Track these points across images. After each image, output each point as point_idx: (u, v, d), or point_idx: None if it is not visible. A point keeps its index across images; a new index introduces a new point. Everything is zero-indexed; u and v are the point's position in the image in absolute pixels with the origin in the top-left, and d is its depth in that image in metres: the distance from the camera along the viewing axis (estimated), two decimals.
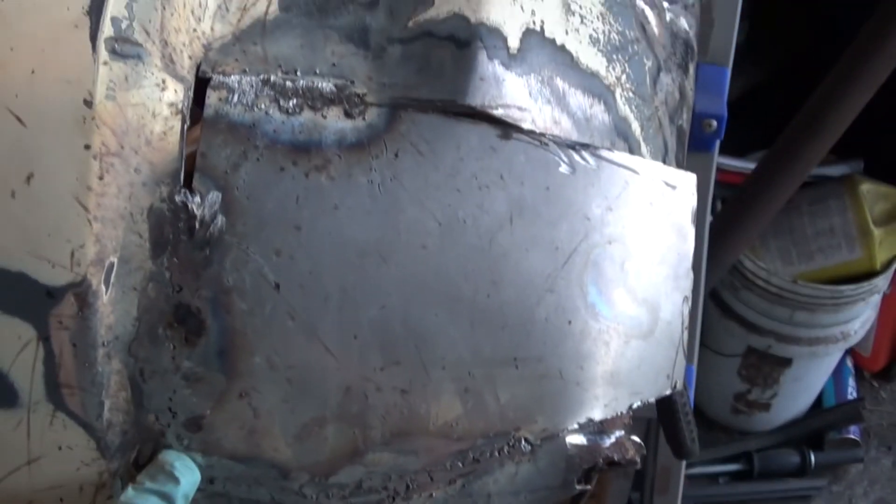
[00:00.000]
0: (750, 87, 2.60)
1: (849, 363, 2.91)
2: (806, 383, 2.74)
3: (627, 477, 2.05)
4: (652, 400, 0.96)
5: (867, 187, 2.41)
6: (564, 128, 0.89)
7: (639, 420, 1.78)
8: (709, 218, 2.02)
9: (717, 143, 1.38)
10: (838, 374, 2.86)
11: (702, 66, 1.33)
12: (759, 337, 2.54)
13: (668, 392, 0.98)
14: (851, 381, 2.89)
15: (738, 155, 2.50)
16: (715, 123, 1.32)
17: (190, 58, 0.85)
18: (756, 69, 2.61)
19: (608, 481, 2.10)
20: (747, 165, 2.42)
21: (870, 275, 2.42)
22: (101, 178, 0.80)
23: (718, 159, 2.43)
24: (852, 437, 2.81)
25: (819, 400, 2.89)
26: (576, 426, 0.93)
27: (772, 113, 2.24)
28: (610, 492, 2.10)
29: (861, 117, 1.85)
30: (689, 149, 1.27)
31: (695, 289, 1.51)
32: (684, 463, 1.90)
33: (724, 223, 2.01)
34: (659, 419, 1.28)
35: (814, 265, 2.45)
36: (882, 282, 2.44)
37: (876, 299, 2.54)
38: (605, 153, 0.90)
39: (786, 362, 2.60)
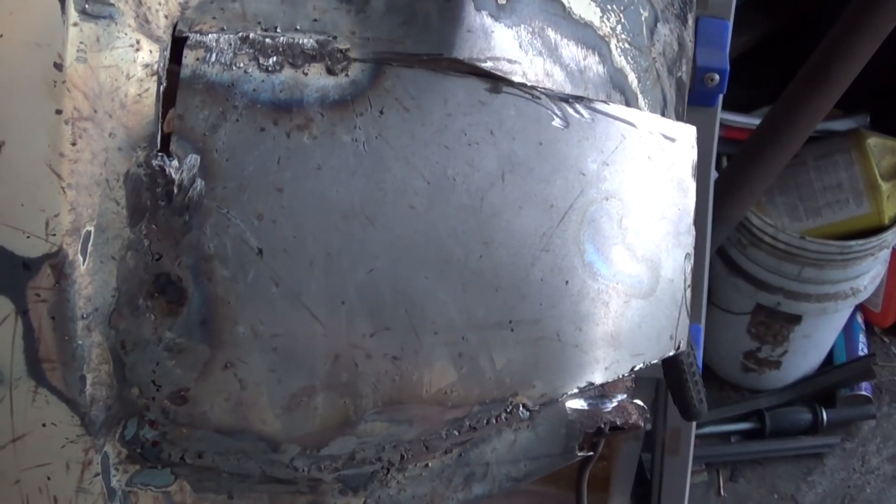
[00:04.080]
0: (755, 43, 2.57)
1: (859, 319, 2.89)
2: (816, 340, 2.72)
3: (637, 439, 2.04)
4: (655, 361, 0.93)
5: (874, 141, 2.38)
6: (557, 80, 0.86)
7: (647, 381, 1.77)
8: (714, 174, 2.00)
9: (720, 97, 1.36)
10: (849, 330, 2.84)
11: (703, 19, 1.30)
12: (768, 294, 2.51)
13: (671, 353, 0.95)
14: (862, 338, 2.87)
15: (743, 111, 2.47)
16: (717, 77, 1.29)
17: (166, 17, 0.82)
18: (761, 24, 2.58)
19: (618, 444, 2.09)
20: (753, 121, 2.39)
21: (878, 229, 2.40)
22: (73, 143, 0.78)
23: (724, 115, 2.42)
24: (864, 393, 2.79)
25: (830, 357, 2.87)
26: (576, 390, 0.90)
27: (777, 69, 2.21)
28: (620, 454, 2.09)
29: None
30: (692, 103, 1.24)
31: (700, 246, 1.50)
32: (694, 423, 1.89)
33: (730, 179, 1.99)
34: (665, 380, 1.25)
35: (821, 221, 2.43)
36: (891, 236, 2.42)
37: (885, 254, 2.52)
38: (600, 106, 0.87)
39: (795, 319, 2.58)
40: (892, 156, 2.39)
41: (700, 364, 1.53)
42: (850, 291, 2.51)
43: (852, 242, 2.37)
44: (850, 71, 1.80)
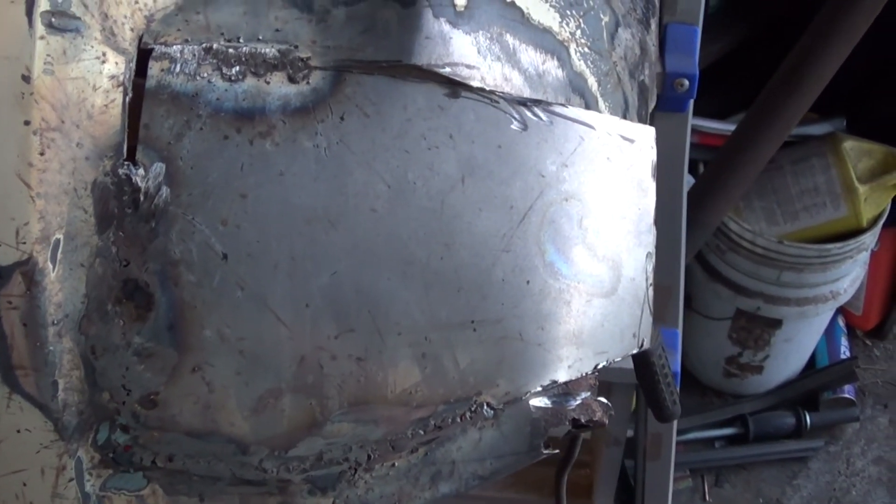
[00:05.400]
0: (729, 50, 2.58)
1: (840, 322, 2.89)
2: (797, 344, 2.73)
3: (619, 445, 2.05)
4: (618, 359, 0.95)
5: (850, 144, 2.39)
6: (515, 84, 0.87)
7: (627, 387, 1.77)
8: (689, 180, 2.01)
9: (691, 102, 1.36)
10: (830, 333, 2.84)
11: (672, 25, 1.31)
12: (748, 299, 2.52)
13: (634, 351, 0.96)
14: (844, 341, 2.87)
15: (719, 117, 2.48)
16: (687, 83, 1.29)
17: (132, 30, 0.83)
18: (735, 31, 2.60)
19: (599, 451, 2.09)
20: (728, 128, 2.40)
21: (856, 232, 2.40)
22: (42, 153, 0.79)
23: (699, 122, 2.44)
24: (847, 396, 2.79)
25: (812, 360, 2.87)
26: (539, 389, 0.92)
27: (752, 75, 2.22)
28: (602, 461, 2.10)
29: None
30: (662, 109, 1.25)
31: (675, 251, 1.51)
32: (675, 429, 1.90)
33: (707, 185, 2.00)
34: (638, 383, 1.26)
35: (799, 224, 2.43)
36: (869, 239, 2.43)
37: (864, 257, 2.52)
38: (558, 108, 0.89)
39: (776, 323, 2.59)
40: (868, 158, 2.40)
41: (678, 368, 1.55)
42: (829, 295, 2.51)
43: (830, 246, 2.38)
44: (824, 75, 1.81)
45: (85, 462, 0.88)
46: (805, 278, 2.44)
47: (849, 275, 2.53)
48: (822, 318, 2.68)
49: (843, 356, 2.84)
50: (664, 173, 1.26)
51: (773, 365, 2.76)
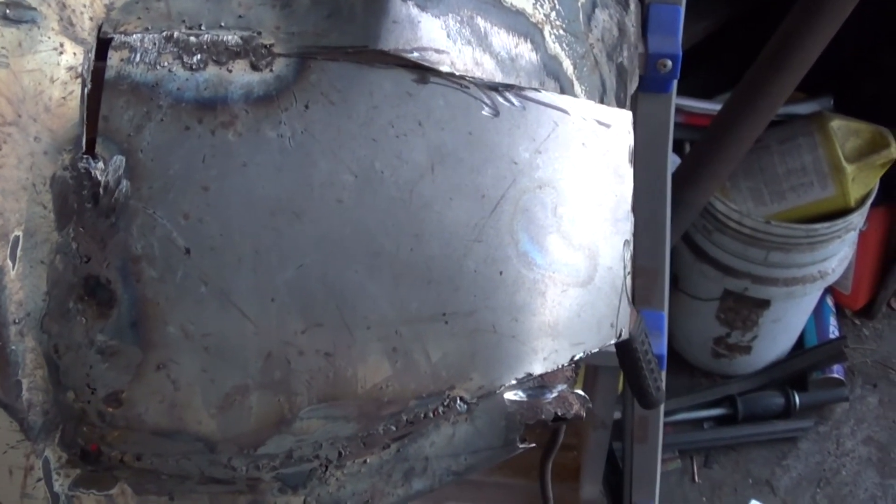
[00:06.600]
0: (715, 29, 2.57)
1: (829, 302, 2.90)
2: (786, 324, 2.72)
3: (606, 428, 2.04)
4: (595, 350, 0.93)
5: (837, 124, 2.38)
6: (487, 69, 0.85)
7: (614, 370, 1.76)
8: (675, 160, 1.99)
9: (674, 83, 1.34)
10: (819, 313, 2.85)
11: (654, 5, 1.29)
12: (735, 279, 2.52)
13: (612, 341, 0.94)
14: (833, 320, 2.87)
15: (705, 97, 2.47)
16: (670, 63, 1.27)
17: (91, 19, 0.81)
18: (721, 9, 2.58)
19: (586, 434, 2.08)
20: (715, 107, 2.39)
21: (844, 212, 2.40)
22: None
23: (686, 102, 2.43)
24: (836, 376, 2.80)
25: (801, 340, 2.88)
26: (514, 382, 0.90)
27: (738, 53, 2.21)
28: (589, 444, 2.09)
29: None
30: (646, 90, 1.23)
31: (660, 233, 1.49)
32: (662, 411, 1.89)
33: (693, 165, 1.99)
34: (622, 369, 1.25)
35: (786, 204, 2.42)
36: (857, 218, 2.42)
37: (852, 236, 2.52)
38: (530, 93, 0.86)
39: (764, 304, 2.58)
40: (855, 138, 2.39)
41: (665, 351, 1.53)
42: (817, 274, 2.51)
43: (818, 225, 2.37)
44: (810, 54, 1.80)
45: (52, 462, 0.86)
46: (793, 258, 2.44)
47: (837, 254, 2.52)
48: (810, 297, 2.67)
49: (831, 336, 2.84)
50: (648, 155, 1.24)
51: (761, 345, 2.75)
